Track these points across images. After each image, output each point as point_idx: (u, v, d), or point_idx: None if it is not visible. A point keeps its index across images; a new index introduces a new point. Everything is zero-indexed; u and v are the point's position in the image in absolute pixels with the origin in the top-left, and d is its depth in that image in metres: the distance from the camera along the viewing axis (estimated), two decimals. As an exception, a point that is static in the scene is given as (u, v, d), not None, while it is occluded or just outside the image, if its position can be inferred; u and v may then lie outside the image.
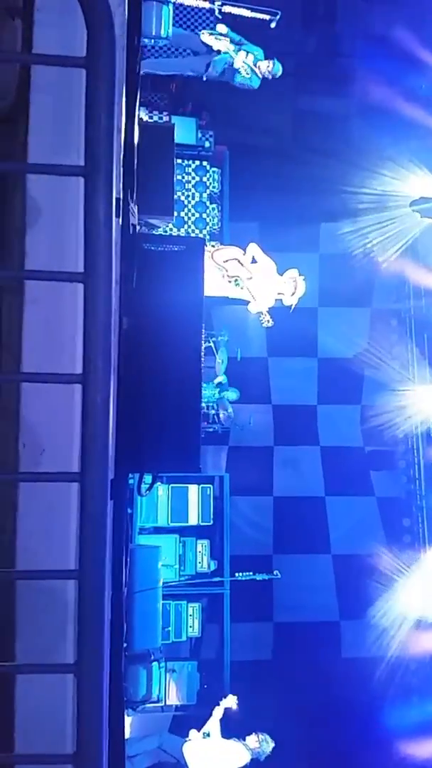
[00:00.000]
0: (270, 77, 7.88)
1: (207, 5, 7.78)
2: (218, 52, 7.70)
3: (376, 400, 10.27)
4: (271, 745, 7.50)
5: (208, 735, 7.53)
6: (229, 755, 7.41)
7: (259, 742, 7.44)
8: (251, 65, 7.73)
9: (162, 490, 8.99)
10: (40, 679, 2.93)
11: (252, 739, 7.48)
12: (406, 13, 9.39)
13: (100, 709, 2.31)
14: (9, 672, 2.95)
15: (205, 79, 7.99)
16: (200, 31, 7.87)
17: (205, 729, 7.58)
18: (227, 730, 7.58)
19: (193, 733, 7.64)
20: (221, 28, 7.69)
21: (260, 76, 7.83)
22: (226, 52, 7.68)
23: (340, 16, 10.14)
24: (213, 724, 7.55)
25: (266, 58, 7.85)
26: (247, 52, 7.73)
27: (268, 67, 7.78)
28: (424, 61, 9.67)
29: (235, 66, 7.71)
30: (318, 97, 10.09)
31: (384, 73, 9.51)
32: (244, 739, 7.50)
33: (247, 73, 7.72)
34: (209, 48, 7.74)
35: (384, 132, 9.60)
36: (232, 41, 7.69)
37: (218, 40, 7.63)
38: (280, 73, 7.91)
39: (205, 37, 7.66)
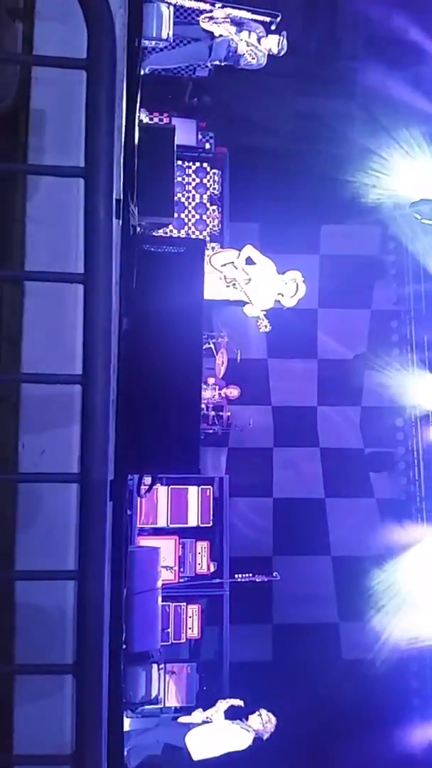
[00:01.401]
0: (277, 53, 7.74)
1: (207, 7, 7.74)
2: (219, 36, 7.59)
3: (376, 402, 10.27)
4: (274, 722, 7.49)
5: (210, 721, 7.54)
6: (231, 738, 7.42)
7: (263, 723, 7.44)
8: (255, 44, 7.59)
9: (161, 492, 8.99)
10: (39, 680, 2.93)
11: (255, 720, 7.48)
12: (406, 15, 9.39)
13: (98, 710, 2.32)
14: (8, 672, 2.95)
15: (209, 65, 7.88)
16: (198, 18, 7.72)
17: (208, 714, 7.57)
18: (229, 712, 7.62)
19: (197, 713, 7.64)
20: (220, 12, 7.52)
21: (265, 53, 7.68)
22: (227, 36, 7.57)
23: (341, 17, 10.14)
24: (216, 714, 7.56)
25: (268, 33, 7.70)
26: (250, 32, 7.60)
27: (276, 42, 7.62)
28: (424, 62, 9.67)
29: (240, 51, 7.59)
30: (319, 99, 10.08)
31: (384, 74, 9.51)
32: (247, 719, 7.49)
33: (252, 57, 7.58)
34: (210, 34, 7.63)
35: (384, 133, 9.61)
36: (232, 22, 7.56)
37: (218, 25, 7.51)
38: (285, 48, 7.75)
39: (205, 23, 7.54)
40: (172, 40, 7.33)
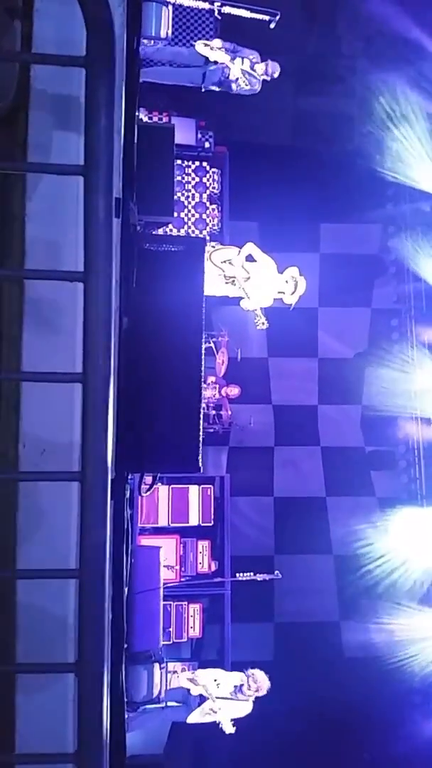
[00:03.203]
0: (269, 78, 7.90)
1: (206, 6, 7.77)
2: (215, 63, 7.74)
3: (377, 400, 10.26)
4: (264, 682, 7.50)
5: (208, 696, 7.60)
6: (231, 710, 7.48)
7: (255, 690, 7.46)
8: (249, 70, 7.75)
9: (162, 491, 8.99)
10: (40, 679, 2.93)
11: (246, 689, 7.51)
12: (406, 13, 9.39)
13: (100, 708, 2.32)
14: (10, 671, 2.95)
15: (203, 89, 8.03)
16: (195, 42, 7.89)
17: (205, 689, 7.60)
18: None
19: (200, 672, 7.71)
20: (216, 42, 7.73)
21: (259, 78, 7.84)
22: (222, 63, 7.72)
23: (340, 16, 10.14)
24: (214, 690, 7.62)
25: (262, 60, 7.86)
26: (243, 59, 7.76)
27: (267, 68, 7.79)
28: (424, 60, 9.67)
29: (231, 78, 7.75)
30: (318, 98, 10.09)
31: (384, 72, 9.51)
32: (241, 690, 7.52)
33: (246, 84, 7.77)
34: (206, 59, 7.79)
35: (384, 132, 9.61)
36: (227, 51, 7.72)
37: (213, 51, 7.67)
38: (278, 72, 7.92)
39: (200, 47, 7.70)
40: (168, 59, 7.53)
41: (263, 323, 8.07)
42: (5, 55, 3.17)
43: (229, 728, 7.38)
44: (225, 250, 8.17)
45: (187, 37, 8.50)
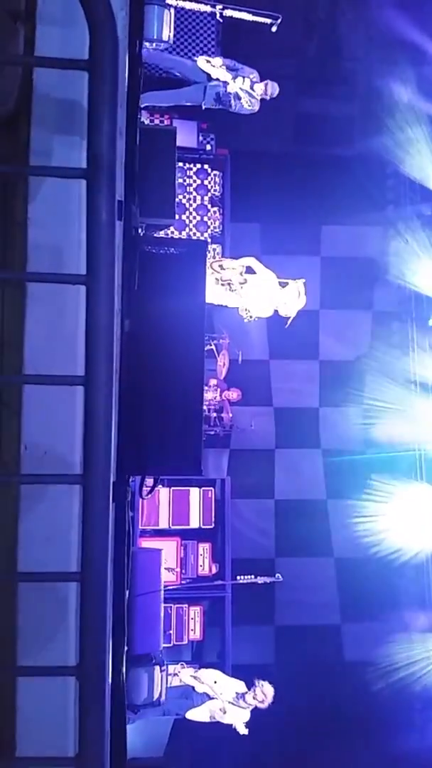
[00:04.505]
0: (268, 98, 7.96)
1: (208, 9, 7.80)
2: (216, 79, 7.78)
3: (378, 403, 10.25)
4: (270, 694, 7.57)
5: (208, 697, 7.65)
6: (230, 715, 7.55)
7: (259, 701, 7.54)
8: (248, 89, 7.80)
9: (163, 493, 8.99)
10: (41, 682, 2.93)
11: (251, 699, 7.54)
12: (408, 15, 9.40)
13: (101, 711, 2.31)
14: (10, 674, 2.95)
15: (203, 107, 8.06)
16: (197, 57, 7.94)
17: (210, 688, 7.64)
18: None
19: (203, 671, 7.79)
20: (217, 60, 7.78)
21: (258, 98, 7.90)
22: (223, 80, 7.77)
23: (342, 18, 10.15)
24: (219, 691, 7.67)
25: (262, 79, 7.92)
26: (243, 78, 7.81)
27: (266, 88, 7.85)
28: (426, 62, 9.68)
29: (230, 90, 7.79)
30: (319, 100, 10.11)
31: (386, 75, 9.53)
32: (243, 698, 7.56)
33: (248, 104, 7.82)
34: (207, 75, 7.83)
35: (385, 134, 9.62)
36: (228, 69, 7.77)
37: (214, 67, 7.73)
38: (277, 92, 7.98)
39: (202, 63, 7.75)
40: (170, 70, 7.59)
41: (251, 317, 8.15)
42: (8, 58, 3.18)
43: (242, 729, 7.46)
44: (227, 261, 8.26)
45: (189, 40, 8.53)
